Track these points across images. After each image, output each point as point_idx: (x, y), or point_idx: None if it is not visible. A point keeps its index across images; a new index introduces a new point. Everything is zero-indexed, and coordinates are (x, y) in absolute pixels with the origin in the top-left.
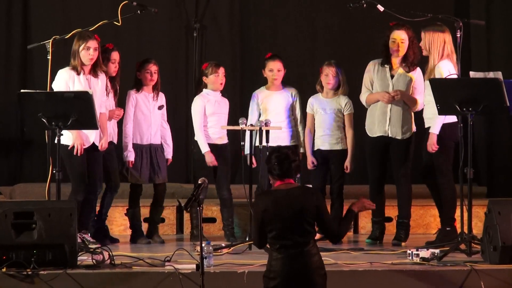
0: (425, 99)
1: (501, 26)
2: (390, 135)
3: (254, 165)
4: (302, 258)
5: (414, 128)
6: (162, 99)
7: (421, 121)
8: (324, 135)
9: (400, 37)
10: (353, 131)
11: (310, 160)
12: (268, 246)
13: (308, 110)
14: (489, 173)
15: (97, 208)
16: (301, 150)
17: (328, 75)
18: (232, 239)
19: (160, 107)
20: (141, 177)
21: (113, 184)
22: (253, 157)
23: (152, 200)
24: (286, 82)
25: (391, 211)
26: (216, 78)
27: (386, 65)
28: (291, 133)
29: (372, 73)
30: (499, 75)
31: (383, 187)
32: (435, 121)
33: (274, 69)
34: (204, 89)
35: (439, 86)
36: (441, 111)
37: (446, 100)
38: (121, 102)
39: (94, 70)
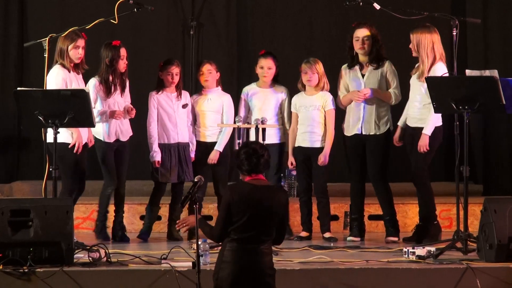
0: (415, 98)
1: (497, 24)
2: (363, 133)
3: None
4: (255, 255)
5: (391, 125)
6: (186, 98)
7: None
8: (305, 132)
9: (363, 35)
10: (334, 127)
11: (290, 160)
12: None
13: (292, 109)
14: (485, 171)
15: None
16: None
17: (307, 73)
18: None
19: (184, 106)
20: (171, 176)
21: (119, 182)
22: None
23: (170, 199)
24: (282, 80)
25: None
26: (201, 77)
27: (355, 66)
28: (279, 132)
29: (345, 77)
30: (495, 73)
31: (363, 185)
32: (428, 123)
33: (265, 66)
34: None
35: (435, 85)
36: (437, 110)
37: (442, 98)
38: (134, 100)
39: (77, 68)
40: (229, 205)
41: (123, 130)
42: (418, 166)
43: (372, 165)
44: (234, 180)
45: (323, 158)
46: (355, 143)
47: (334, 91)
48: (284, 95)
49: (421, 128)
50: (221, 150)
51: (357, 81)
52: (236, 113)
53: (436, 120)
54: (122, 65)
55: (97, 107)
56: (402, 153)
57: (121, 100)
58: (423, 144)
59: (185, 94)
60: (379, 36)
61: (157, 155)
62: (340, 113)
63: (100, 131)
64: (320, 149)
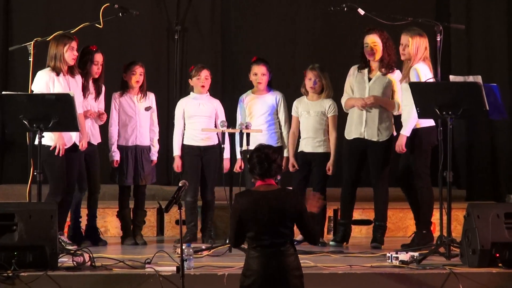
0: (405, 102)
1: (481, 30)
2: (366, 137)
3: (239, 170)
4: (278, 257)
5: (393, 131)
6: (150, 100)
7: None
8: (307, 138)
9: (372, 41)
10: (337, 133)
11: (291, 163)
12: (245, 245)
13: (293, 113)
14: (469, 176)
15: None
16: (285, 153)
17: (312, 79)
18: (211, 241)
19: (147, 108)
20: (126, 178)
21: (92, 186)
22: (241, 160)
23: (134, 203)
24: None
25: (372, 214)
26: (197, 81)
27: (364, 70)
28: (276, 136)
29: (352, 77)
30: (478, 79)
31: (355, 190)
32: (406, 123)
33: (259, 73)
34: (191, 92)
35: (419, 90)
36: (421, 115)
37: (426, 103)
38: (107, 104)
39: (71, 71)
40: (239, 214)
41: (95, 133)
42: (420, 168)
43: (374, 170)
44: (217, 185)
45: (331, 167)
46: (355, 147)
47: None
48: (280, 99)
49: (417, 129)
50: (228, 157)
51: (362, 85)
52: (234, 120)
53: (414, 120)
54: (95, 70)
55: None
56: (396, 159)
57: (95, 104)
58: (400, 144)
59: (150, 96)
60: (390, 42)
61: (116, 155)
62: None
63: (72, 133)
64: (321, 154)
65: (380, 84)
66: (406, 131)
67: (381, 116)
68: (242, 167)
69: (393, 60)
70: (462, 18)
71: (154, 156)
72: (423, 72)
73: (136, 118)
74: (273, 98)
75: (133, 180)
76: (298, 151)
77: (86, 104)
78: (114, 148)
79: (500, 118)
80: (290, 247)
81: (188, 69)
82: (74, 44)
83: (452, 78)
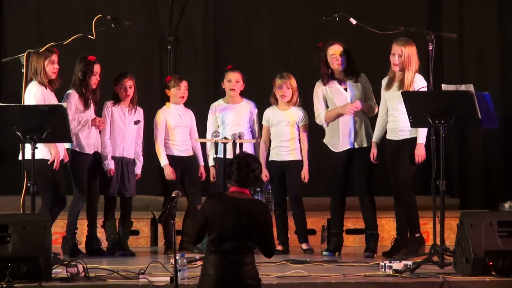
0: (400, 111)
1: (473, 39)
2: (356, 146)
3: (213, 178)
4: (235, 265)
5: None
6: (139, 114)
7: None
8: (278, 146)
9: (339, 51)
10: (308, 141)
11: (264, 173)
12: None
13: (263, 122)
14: (462, 185)
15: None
16: None
17: (282, 87)
18: (197, 250)
19: (136, 122)
20: (109, 188)
21: (93, 195)
22: (214, 168)
23: (120, 214)
24: (258, 94)
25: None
26: (177, 92)
27: (330, 82)
28: (251, 146)
29: (324, 92)
30: (471, 87)
31: (344, 200)
32: (420, 131)
33: (232, 79)
34: (166, 103)
35: (411, 99)
36: (414, 124)
37: (419, 112)
38: (99, 114)
39: (51, 84)
40: (206, 214)
41: (99, 142)
42: (403, 178)
43: (361, 177)
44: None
45: (306, 176)
46: (344, 159)
47: (306, 105)
48: (255, 109)
49: (410, 139)
50: (203, 164)
51: (341, 95)
52: (205, 129)
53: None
54: (94, 80)
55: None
56: (379, 167)
57: (94, 115)
58: (421, 153)
59: (140, 111)
60: (350, 50)
61: (111, 164)
62: (313, 129)
63: (79, 142)
64: (292, 162)
65: (357, 91)
66: (422, 139)
67: (364, 122)
68: (215, 175)
69: (355, 68)
70: (454, 27)
71: (139, 169)
72: (421, 85)
73: (125, 130)
74: (248, 107)
75: (118, 192)
76: (269, 160)
77: (89, 114)
78: (110, 157)
79: (492, 127)
80: (249, 257)
81: None
82: (54, 57)
83: (444, 87)
